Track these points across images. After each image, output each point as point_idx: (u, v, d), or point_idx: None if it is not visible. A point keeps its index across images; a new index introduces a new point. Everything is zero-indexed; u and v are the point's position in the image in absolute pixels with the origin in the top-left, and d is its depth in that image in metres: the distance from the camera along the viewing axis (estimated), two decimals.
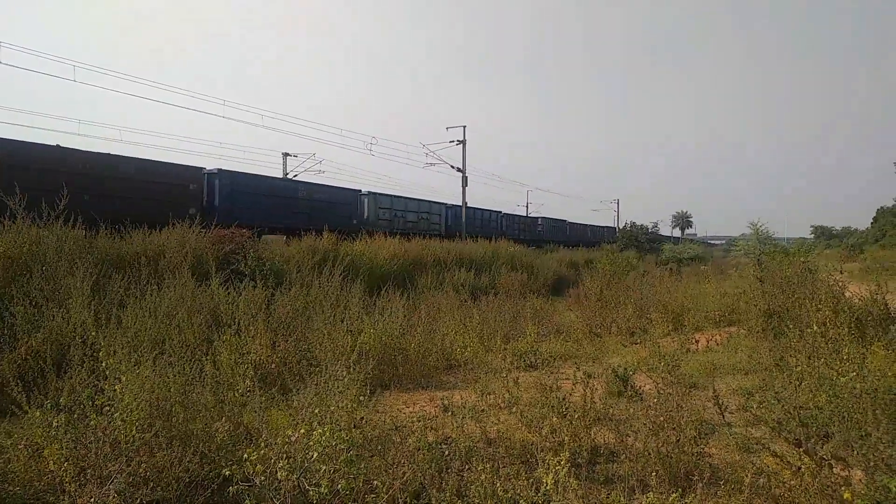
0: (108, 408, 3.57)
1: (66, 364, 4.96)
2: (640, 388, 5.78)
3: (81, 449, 3.22)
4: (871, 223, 54.64)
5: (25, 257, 7.74)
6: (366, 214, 25.43)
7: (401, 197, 28.49)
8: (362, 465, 3.28)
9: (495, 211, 37.99)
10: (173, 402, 3.92)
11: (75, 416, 3.47)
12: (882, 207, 53.09)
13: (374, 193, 26.39)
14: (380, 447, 3.93)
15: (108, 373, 3.91)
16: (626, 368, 6.03)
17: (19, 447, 3.45)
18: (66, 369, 4.81)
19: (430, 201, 31.30)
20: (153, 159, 17.38)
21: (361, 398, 4.12)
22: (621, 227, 50.68)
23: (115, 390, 3.72)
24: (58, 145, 15.09)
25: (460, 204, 32.71)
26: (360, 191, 25.93)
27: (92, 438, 3.28)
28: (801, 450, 3.29)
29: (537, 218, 45.88)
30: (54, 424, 3.32)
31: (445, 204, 32.57)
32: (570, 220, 52.37)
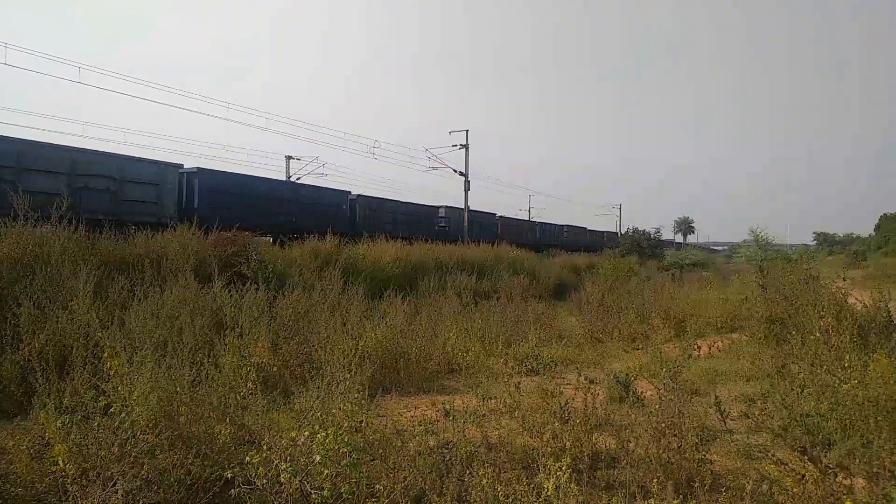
0: (113, 409, 3.58)
1: (69, 365, 4.98)
2: (641, 393, 5.77)
3: (86, 450, 3.22)
4: (875, 230, 54.58)
5: (29, 258, 7.77)
6: None
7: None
8: (364, 469, 3.29)
9: (342, 191, 24.96)
10: (179, 403, 3.93)
11: (79, 417, 3.48)
12: (885, 214, 53.06)
13: None
14: (381, 451, 3.93)
15: (112, 374, 3.92)
16: (627, 374, 6.03)
17: (22, 448, 3.46)
18: (68, 371, 4.83)
19: (120, 156, 16.53)
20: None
21: (363, 402, 4.12)
22: (623, 232, 50.67)
23: (122, 391, 3.73)
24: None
25: (226, 171, 19.88)
26: None
27: (94, 440, 3.29)
28: (804, 457, 3.29)
29: (438, 208, 30.97)
30: (58, 425, 3.33)
31: (180, 167, 17.95)
32: (501, 214, 38.82)
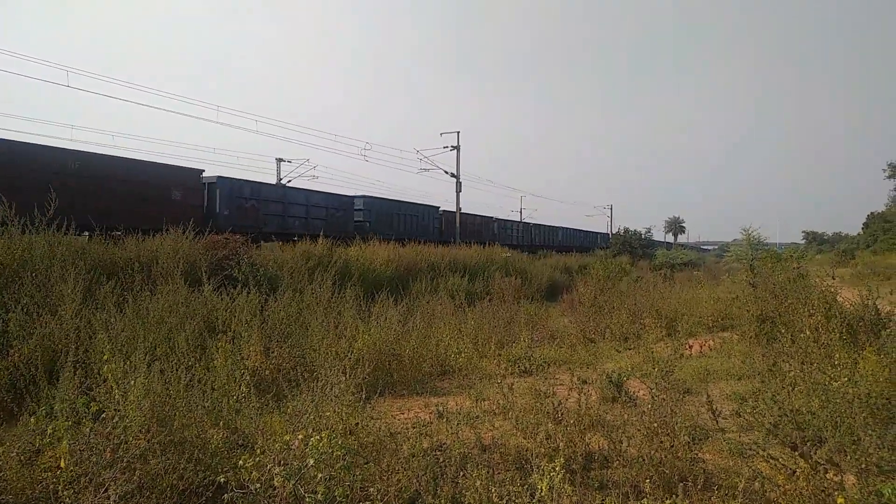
0: (104, 414, 3.55)
1: (59, 371, 4.94)
2: (633, 393, 5.79)
3: (77, 455, 3.20)
4: (863, 228, 55.03)
5: (17, 264, 7.68)
6: None
7: None
8: (358, 472, 3.28)
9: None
10: (172, 408, 3.91)
11: (70, 423, 3.45)
12: (873, 213, 53.55)
13: None
14: (374, 454, 3.93)
15: (105, 379, 3.89)
16: (619, 374, 6.05)
17: (12, 455, 3.43)
18: (58, 376, 4.79)
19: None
20: None
21: (357, 404, 4.12)
22: (614, 233, 50.89)
23: (114, 396, 3.70)
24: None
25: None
26: None
27: (86, 445, 3.26)
28: (796, 453, 3.31)
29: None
30: (49, 431, 3.30)
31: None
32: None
